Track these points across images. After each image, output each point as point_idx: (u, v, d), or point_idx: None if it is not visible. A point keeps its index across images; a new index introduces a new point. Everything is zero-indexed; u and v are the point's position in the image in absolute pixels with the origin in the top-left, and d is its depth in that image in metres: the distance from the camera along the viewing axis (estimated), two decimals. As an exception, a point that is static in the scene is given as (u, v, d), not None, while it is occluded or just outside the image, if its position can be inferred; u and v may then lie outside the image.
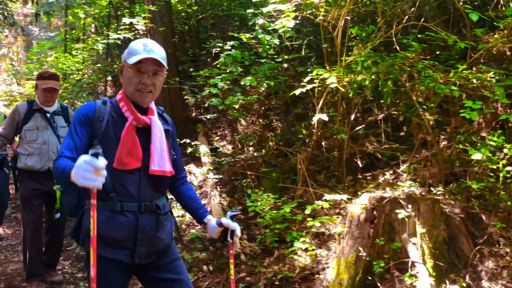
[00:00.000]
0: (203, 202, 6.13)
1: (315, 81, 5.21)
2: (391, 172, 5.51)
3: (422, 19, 5.72)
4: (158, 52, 2.25)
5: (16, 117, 4.34)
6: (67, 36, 14.16)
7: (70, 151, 2.18)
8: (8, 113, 5.53)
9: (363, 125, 6.22)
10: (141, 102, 2.30)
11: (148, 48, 2.22)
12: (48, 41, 15.29)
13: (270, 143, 6.71)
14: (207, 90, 5.77)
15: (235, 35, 6.16)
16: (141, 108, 2.32)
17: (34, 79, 13.77)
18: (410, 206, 3.95)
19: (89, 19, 12.97)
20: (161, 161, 2.29)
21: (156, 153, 2.28)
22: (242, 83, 5.74)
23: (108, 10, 10.95)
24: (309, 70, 6.35)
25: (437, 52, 5.84)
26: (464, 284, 3.66)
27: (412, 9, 5.68)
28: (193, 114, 8.29)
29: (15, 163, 4.45)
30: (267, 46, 5.93)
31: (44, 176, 4.33)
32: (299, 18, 5.67)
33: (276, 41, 5.90)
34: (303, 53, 6.18)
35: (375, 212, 4.08)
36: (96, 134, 2.22)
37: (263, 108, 7.49)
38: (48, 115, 4.39)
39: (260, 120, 7.31)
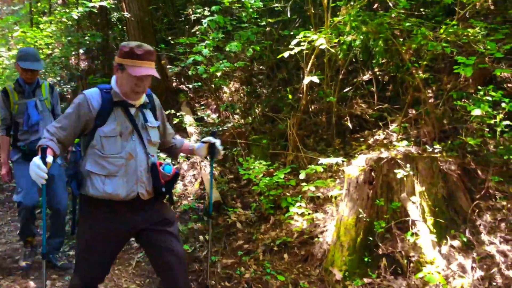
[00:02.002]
0: (193, 173, 6.10)
1: (302, 43, 5.10)
2: (380, 132, 5.50)
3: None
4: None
5: (84, 112, 2.64)
6: (32, 9, 13.55)
7: None
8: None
9: (350, 87, 6.17)
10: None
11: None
12: (12, 16, 14.63)
13: (257, 110, 6.61)
14: (191, 58, 5.59)
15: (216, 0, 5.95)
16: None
17: (0, 55, 13.24)
18: (408, 165, 3.94)
19: (54, -11, 12.39)
20: None
21: None
22: (227, 49, 5.58)
23: (75, -21, 10.45)
24: (292, 33, 6.22)
25: (421, 9, 5.78)
26: (464, 239, 3.71)
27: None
28: (174, 84, 8.09)
29: (76, 183, 2.72)
30: (251, 10, 5.75)
31: (129, 207, 2.72)
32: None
33: (260, 4, 5.73)
34: (288, 16, 6.01)
35: (373, 173, 4.06)
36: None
37: (246, 75, 7.34)
38: (133, 111, 2.73)
39: (244, 87, 7.17)
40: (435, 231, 3.73)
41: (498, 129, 4.03)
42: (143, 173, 2.68)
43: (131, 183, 2.65)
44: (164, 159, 5.24)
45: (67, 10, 10.05)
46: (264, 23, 6.38)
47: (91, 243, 2.70)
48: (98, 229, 2.68)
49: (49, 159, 2.45)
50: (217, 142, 2.94)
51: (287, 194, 5.00)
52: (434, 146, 4.35)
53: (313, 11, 5.75)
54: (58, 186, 4.40)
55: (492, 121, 4.04)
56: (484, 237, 3.73)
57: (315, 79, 4.88)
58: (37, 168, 2.38)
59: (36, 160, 2.40)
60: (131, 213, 2.70)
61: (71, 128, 2.63)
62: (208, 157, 3.01)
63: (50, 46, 10.75)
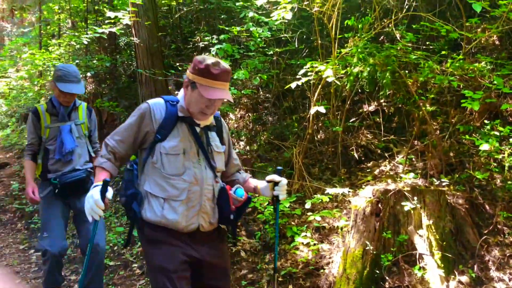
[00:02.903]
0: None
1: (309, 73, 5.15)
2: (386, 163, 5.51)
3: (412, 10, 5.72)
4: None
5: (146, 122, 2.39)
6: (42, 31, 13.77)
7: None
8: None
9: (356, 118, 6.20)
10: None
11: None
12: (22, 37, 14.84)
13: (262, 137, 6.63)
14: (199, 85, 5.64)
15: (225, 28, 6.04)
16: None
17: (8, 76, 13.40)
18: (415, 198, 3.93)
19: (63, 14, 12.61)
20: None
21: None
22: (234, 77, 5.64)
23: (85, 4, 10.64)
24: (299, 62, 6.30)
25: (427, 43, 5.85)
26: (473, 275, 3.67)
27: (401, 1, 5.68)
28: (180, 110, 8.13)
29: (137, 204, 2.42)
30: (259, 39, 5.83)
31: (192, 239, 2.43)
32: (291, 9, 5.60)
33: (268, 34, 5.82)
34: (295, 46, 6.10)
35: (380, 205, 4.05)
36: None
37: (252, 102, 7.39)
38: (197, 130, 2.45)
39: (250, 114, 7.21)
40: (442, 265, 3.69)
41: (506, 164, 4.03)
42: (208, 202, 2.39)
43: (192, 213, 2.35)
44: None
45: (76, 34, 10.23)
46: (271, 52, 6.46)
47: (165, 264, 2.32)
48: (165, 249, 2.33)
49: (109, 193, 2.22)
50: (283, 181, 2.59)
51: (292, 223, 4.97)
52: (441, 179, 4.34)
53: (320, 41, 5.82)
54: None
55: (500, 156, 4.05)
56: (493, 273, 3.69)
57: (322, 109, 4.91)
58: (95, 204, 2.15)
59: (95, 193, 2.17)
60: (190, 243, 2.39)
61: (132, 142, 2.38)
62: (273, 199, 2.65)
63: (58, 69, 10.87)
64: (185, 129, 2.41)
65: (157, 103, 2.42)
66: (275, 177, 2.59)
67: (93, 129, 3.99)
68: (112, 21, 6.46)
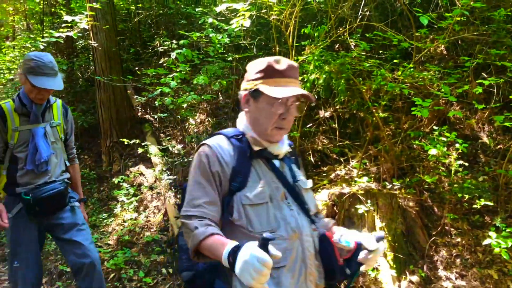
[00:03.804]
0: (156, 203, 6.07)
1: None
2: (341, 167, 5.67)
3: (366, 19, 5.93)
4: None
5: (215, 170, 1.77)
6: (-6, 33, 13.37)
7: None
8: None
9: (312, 123, 6.36)
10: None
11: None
12: (-27, 38, 14.35)
13: (222, 142, 6.68)
14: (159, 89, 5.66)
15: (185, 33, 6.07)
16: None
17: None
18: (369, 201, 4.09)
19: (18, 15, 12.28)
20: None
21: None
22: (194, 82, 5.68)
23: (41, 6, 10.42)
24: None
25: (380, 52, 6.07)
26: (423, 274, 3.85)
27: (355, 10, 5.88)
28: (139, 114, 8.10)
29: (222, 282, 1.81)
30: (218, 45, 5.90)
31: None
32: (249, 17, 5.70)
33: (227, 40, 5.89)
34: (254, 52, 6.20)
35: (335, 208, 4.19)
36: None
37: (212, 107, 7.45)
38: (277, 163, 1.87)
39: (210, 119, 7.27)
40: (395, 266, 3.86)
41: (453, 168, 4.25)
42: (312, 259, 1.77)
43: (299, 280, 1.72)
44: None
45: (31, 36, 9.99)
46: (230, 58, 6.54)
47: None
48: None
49: (275, 250, 1.43)
50: (379, 249, 1.81)
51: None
52: (393, 183, 4.53)
53: (278, 48, 5.94)
54: (85, 235, 3.20)
55: (447, 160, 4.26)
56: (441, 272, 3.89)
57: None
58: (261, 265, 1.37)
59: (257, 251, 1.40)
60: None
61: (217, 197, 1.73)
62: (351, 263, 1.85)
63: (12, 71, 10.59)
64: (263, 167, 1.81)
65: (219, 142, 1.80)
66: (370, 242, 1.79)
67: (69, 132, 3.34)
68: (69, 24, 6.37)
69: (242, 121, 1.87)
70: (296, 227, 1.74)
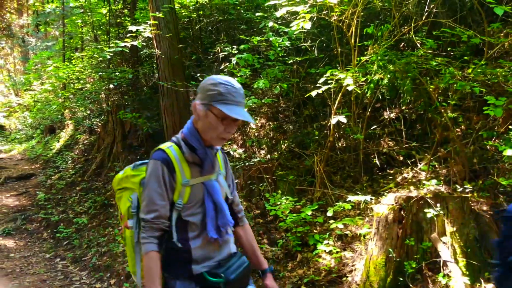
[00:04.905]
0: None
1: (329, 81, 5.18)
2: (408, 170, 5.47)
3: (432, 16, 5.71)
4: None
5: None
6: (65, 45, 14.11)
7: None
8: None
9: (377, 125, 6.19)
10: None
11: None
12: (46, 51, 15.21)
13: (283, 146, 6.66)
14: (220, 95, 5.72)
15: (245, 38, 6.12)
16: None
17: (33, 89, 13.73)
18: (438, 205, 3.90)
19: (86, 27, 12.90)
20: None
21: None
22: (255, 86, 5.70)
23: (107, 18, 10.88)
24: (318, 71, 6.33)
25: (448, 49, 5.82)
26: (499, 282, 3.62)
27: (421, 7, 5.68)
28: (201, 119, 8.23)
29: None
30: (278, 49, 5.89)
31: None
32: (310, 19, 5.65)
33: (287, 43, 5.87)
34: (315, 54, 6.13)
35: (402, 212, 4.03)
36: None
37: (272, 111, 7.44)
38: None
39: (271, 123, 7.26)
40: (467, 273, 3.65)
41: (531, 170, 3.99)
42: None
43: None
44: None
45: (98, 47, 10.45)
46: (291, 61, 6.51)
47: None
48: None
49: None
50: None
51: (315, 231, 4.98)
52: (465, 186, 4.31)
53: (339, 50, 5.85)
54: None
55: (524, 162, 4.00)
56: (519, 280, 3.63)
57: (343, 119, 4.92)
58: None
59: None
60: None
61: None
62: None
63: (81, 81, 11.13)
64: None
65: None
66: None
67: (232, 184, 2.45)
68: (134, 34, 6.59)
69: None
70: None
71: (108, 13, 10.79)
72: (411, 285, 3.78)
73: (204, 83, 2.16)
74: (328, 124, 5.85)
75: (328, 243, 4.66)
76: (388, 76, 5.02)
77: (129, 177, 2.36)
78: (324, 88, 5.07)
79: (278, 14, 5.10)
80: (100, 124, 10.92)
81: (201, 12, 9.08)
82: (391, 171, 5.69)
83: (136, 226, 2.26)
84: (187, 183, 2.14)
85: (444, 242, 3.81)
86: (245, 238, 2.48)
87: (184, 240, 2.16)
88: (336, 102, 5.44)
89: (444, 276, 3.65)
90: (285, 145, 6.71)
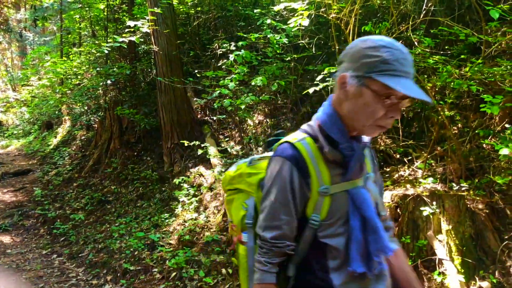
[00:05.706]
0: (215, 204, 6.12)
1: (327, 79, 5.17)
2: (405, 168, 5.48)
3: (430, 14, 5.71)
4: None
5: None
6: (63, 40, 14.08)
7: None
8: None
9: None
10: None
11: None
12: (44, 46, 15.18)
13: (280, 143, 6.65)
14: (218, 91, 5.71)
15: (243, 35, 6.11)
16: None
17: (31, 84, 13.70)
18: (434, 203, 3.91)
19: (84, 22, 12.87)
20: None
21: None
22: (252, 83, 5.70)
23: (105, 13, 10.85)
24: (316, 68, 6.33)
25: (446, 47, 5.82)
26: (494, 280, 3.63)
27: (419, 5, 5.67)
28: (199, 116, 8.23)
29: None
30: (276, 46, 5.88)
31: None
32: (308, 16, 5.64)
33: (285, 40, 5.86)
34: (312, 52, 6.13)
35: (398, 210, 4.04)
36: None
37: (270, 108, 7.44)
38: None
39: (268, 120, 7.26)
40: (463, 271, 3.67)
41: (527, 169, 3.99)
42: None
43: None
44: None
45: (96, 42, 10.43)
46: (289, 58, 6.51)
47: None
48: None
49: None
50: None
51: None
52: (461, 184, 4.32)
53: (337, 47, 5.84)
54: None
55: (520, 160, 4.01)
56: (514, 279, 3.65)
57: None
58: None
59: None
60: None
61: None
62: None
63: (79, 77, 11.11)
64: None
65: None
66: None
67: (381, 191, 1.76)
68: (132, 29, 6.58)
69: None
70: None
71: (106, 8, 10.76)
72: (406, 283, 3.78)
73: (356, 46, 1.50)
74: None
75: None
76: (386, 74, 5.00)
77: (243, 175, 1.77)
78: (321, 85, 5.07)
79: (276, 8, 5.10)
80: (97, 120, 10.90)
81: (199, 8, 9.07)
82: (388, 169, 5.69)
83: (253, 243, 1.66)
84: (327, 192, 1.50)
85: (439, 240, 3.82)
86: (397, 266, 1.72)
87: (323, 272, 1.52)
88: (334, 99, 5.43)
89: (439, 274, 3.66)
90: (283, 142, 6.71)
